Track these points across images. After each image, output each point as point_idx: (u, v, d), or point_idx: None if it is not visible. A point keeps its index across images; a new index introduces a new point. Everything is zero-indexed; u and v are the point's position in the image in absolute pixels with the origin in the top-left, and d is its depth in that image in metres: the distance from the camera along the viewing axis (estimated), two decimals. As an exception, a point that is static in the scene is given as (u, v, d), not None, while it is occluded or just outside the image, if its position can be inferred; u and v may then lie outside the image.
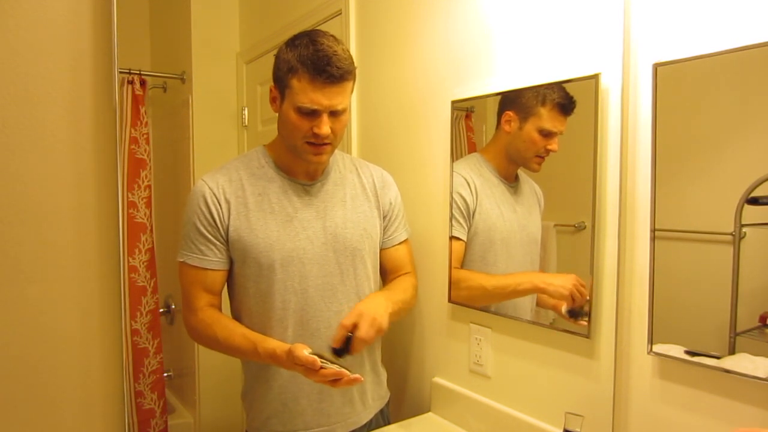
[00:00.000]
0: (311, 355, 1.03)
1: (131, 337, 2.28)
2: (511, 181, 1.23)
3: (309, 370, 1.04)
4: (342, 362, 1.06)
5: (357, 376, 1.04)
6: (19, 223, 0.86)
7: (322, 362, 1.03)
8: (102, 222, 0.93)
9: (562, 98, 1.08)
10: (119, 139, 1.73)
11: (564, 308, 1.10)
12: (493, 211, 1.26)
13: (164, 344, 2.40)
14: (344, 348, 1.09)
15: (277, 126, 1.22)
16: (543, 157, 1.13)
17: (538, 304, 1.18)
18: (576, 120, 1.07)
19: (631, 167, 0.98)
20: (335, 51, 1.10)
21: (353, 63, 1.15)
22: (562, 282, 1.09)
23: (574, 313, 1.07)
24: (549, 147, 1.12)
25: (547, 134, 1.11)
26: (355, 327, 1.09)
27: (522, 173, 1.21)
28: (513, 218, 1.23)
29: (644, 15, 0.95)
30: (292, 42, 1.14)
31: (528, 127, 1.14)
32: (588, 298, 1.04)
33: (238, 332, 1.16)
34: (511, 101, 1.17)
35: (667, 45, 0.91)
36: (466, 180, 1.29)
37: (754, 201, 0.80)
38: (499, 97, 1.20)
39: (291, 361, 1.06)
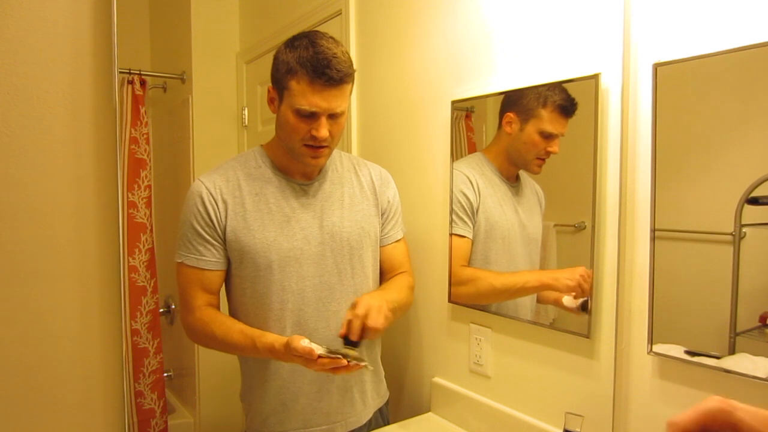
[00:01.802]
0: (308, 345, 1.02)
1: (131, 337, 2.28)
2: (513, 181, 1.23)
3: (308, 360, 1.03)
4: (344, 351, 1.05)
5: (356, 363, 1.03)
6: (19, 223, 0.87)
7: (319, 352, 1.02)
8: (102, 222, 0.93)
9: (564, 100, 1.07)
10: (119, 139, 1.73)
11: (566, 299, 1.09)
12: (495, 210, 1.26)
13: (164, 344, 2.40)
14: (354, 338, 1.08)
15: (275, 127, 1.22)
16: (543, 159, 1.13)
17: (539, 300, 1.18)
18: (576, 120, 1.06)
19: (631, 167, 0.98)
20: (335, 53, 1.10)
21: (352, 65, 1.15)
22: (568, 275, 1.09)
23: (585, 306, 1.06)
24: (549, 149, 1.12)
25: (547, 136, 1.11)
26: (365, 316, 1.08)
27: (523, 174, 1.21)
28: (514, 218, 1.23)
29: (644, 15, 0.95)
30: (292, 43, 1.13)
31: (529, 129, 1.14)
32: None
33: (236, 329, 1.16)
34: (513, 102, 1.17)
35: (667, 45, 0.91)
36: (468, 178, 1.29)
37: (754, 201, 0.80)
38: (501, 98, 1.20)
39: (289, 353, 1.05)
